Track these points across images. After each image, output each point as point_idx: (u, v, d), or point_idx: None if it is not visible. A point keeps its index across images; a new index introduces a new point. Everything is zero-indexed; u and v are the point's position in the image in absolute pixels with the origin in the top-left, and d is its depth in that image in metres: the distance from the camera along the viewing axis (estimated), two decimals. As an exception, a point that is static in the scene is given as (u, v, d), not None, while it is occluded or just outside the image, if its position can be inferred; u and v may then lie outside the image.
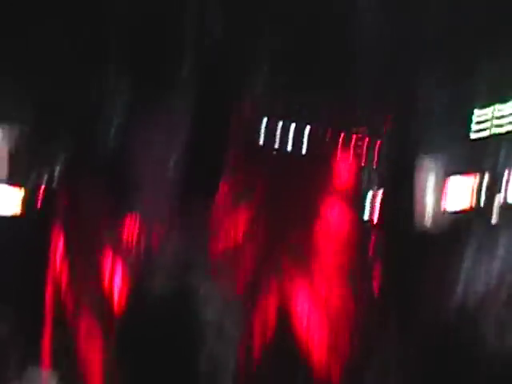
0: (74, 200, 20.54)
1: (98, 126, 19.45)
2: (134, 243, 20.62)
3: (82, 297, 20.71)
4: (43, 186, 20.79)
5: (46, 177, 20.89)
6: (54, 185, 20.81)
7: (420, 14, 22.92)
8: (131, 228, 20.71)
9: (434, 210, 24.46)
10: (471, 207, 25.77)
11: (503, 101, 26.31)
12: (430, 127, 25.07)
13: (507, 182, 25.56)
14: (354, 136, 23.74)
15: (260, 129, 22.20)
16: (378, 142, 23.91)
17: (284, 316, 21.43)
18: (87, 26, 19.59)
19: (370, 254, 23.65)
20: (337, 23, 22.57)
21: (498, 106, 26.63)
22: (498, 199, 25.58)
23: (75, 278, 20.78)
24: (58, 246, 20.93)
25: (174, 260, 19.44)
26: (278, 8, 21.48)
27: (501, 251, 23.88)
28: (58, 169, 20.94)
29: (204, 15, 19.75)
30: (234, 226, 21.76)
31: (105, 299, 20.74)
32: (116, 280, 20.77)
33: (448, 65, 24.23)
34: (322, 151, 23.20)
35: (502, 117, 25.88)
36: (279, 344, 21.04)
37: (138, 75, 20.13)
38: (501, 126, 25.77)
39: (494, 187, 25.47)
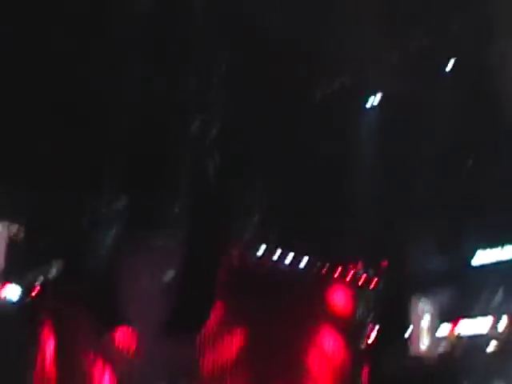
0: (67, 304, 20.36)
1: (92, 247, 19.50)
2: (123, 352, 20.35)
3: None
4: (36, 289, 20.80)
5: (39, 280, 20.89)
6: (46, 290, 20.79)
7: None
8: (121, 338, 20.47)
9: (427, 348, 24.30)
10: (461, 353, 25.59)
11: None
12: (426, 273, 25.28)
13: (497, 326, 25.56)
14: (351, 271, 23.82)
15: (256, 258, 22.32)
16: (375, 279, 23.97)
17: None
18: (85, 156, 19.93)
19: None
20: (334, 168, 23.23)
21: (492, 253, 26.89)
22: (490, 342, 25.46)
23: (63, 380, 20.30)
24: (48, 346, 20.59)
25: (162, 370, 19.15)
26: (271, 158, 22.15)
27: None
28: (50, 275, 20.99)
29: (199, 156, 20.14)
30: (225, 347, 21.49)
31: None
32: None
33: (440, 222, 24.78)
34: (318, 282, 23.15)
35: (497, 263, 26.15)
36: None
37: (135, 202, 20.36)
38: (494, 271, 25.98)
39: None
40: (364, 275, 23.78)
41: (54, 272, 20.50)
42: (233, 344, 21.54)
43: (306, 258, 22.75)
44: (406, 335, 23.51)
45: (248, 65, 20.67)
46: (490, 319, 25.74)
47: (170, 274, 20.47)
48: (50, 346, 20.30)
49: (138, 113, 19.98)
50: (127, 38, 19.48)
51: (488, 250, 26.30)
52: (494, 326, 25.72)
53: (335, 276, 23.42)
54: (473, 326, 25.78)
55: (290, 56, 20.57)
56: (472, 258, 26.56)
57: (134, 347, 20.30)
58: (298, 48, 20.42)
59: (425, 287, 24.68)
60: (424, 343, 24.16)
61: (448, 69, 22.92)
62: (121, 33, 19.39)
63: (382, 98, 23.63)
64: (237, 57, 20.43)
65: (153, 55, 19.90)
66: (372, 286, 23.83)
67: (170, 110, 20.36)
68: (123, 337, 20.30)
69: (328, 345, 22.77)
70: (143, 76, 19.92)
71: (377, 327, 23.52)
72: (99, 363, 20.27)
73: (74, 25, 18.93)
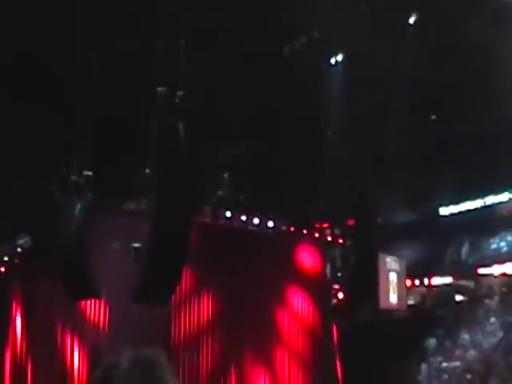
0: (35, 278, 20.17)
1: (60, 218, 19.21)
2: (94, 324, 20.28)
3: (42, 375, 20.12)
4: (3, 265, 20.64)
5: (7, 255, 20.71)
6: (15, 265, 20.64)
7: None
8: (91, 310, 20.38)
9: (396, 305, 24.53)
10: (430, 304, 25.85)
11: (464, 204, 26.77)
12: (393, 228, 25.41)
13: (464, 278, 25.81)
14: (318, 230, 23.82)
15: (224, 219, 22.21)
16: (342, 237, 24.01)
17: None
18: (57, 122, 19.62)
19: (332, 343, 23.52)
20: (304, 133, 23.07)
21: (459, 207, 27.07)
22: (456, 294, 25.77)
23: (35, 356, 20.21)
24: (17, 321, 20.47)
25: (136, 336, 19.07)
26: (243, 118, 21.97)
27: (459, 350, 23.87)
28: (18, 250, 20.79)
29: (166, 119, 19.84)
30: (197, 311, 21.50)
31: (65, 377, 20.15)
32: (75, 359, 20.24)
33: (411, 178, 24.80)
34: (286, 242, 23.13)
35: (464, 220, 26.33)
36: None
37: (101, 175, 20.14)
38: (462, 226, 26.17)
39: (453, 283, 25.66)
40: (331, 234, 23.82)
41: (23, 245, 20.23)
42: (204, 307, 21.60)
43: (273, 219, 22.64)
44: (375, 290, 23.61)
45: (215, 23, 20.37)
46: (457, 270, 26.12)
47: (140, 241, 20.22)
48: (19, 321, 20.17)
49: (102, 79, 19.59)
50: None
51: (454, 203, 26.56)
52: (462, 278, 26.10)
53: (303, 236, 23.43)
54: (441, 279, 26.12)
55: (256, 13, 20.32)
56: (439, 210, 26.79)
57: (104, 319, 20.19)
58: (266, 4, 20.18)
59: (393, 242, 24.86)
60: (393, 297, 24.37)
61: (411, 21, 22.77)
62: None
63: (347, 53, 23.43)
64: (203, 18, 20.09)
65: (117, 18, 19.50)
66: (339, 244, 23.90)
67: (135, 74, 19.99)
68: (93, 309, 20.19)
69: (297, 304, 22.92)
70: (108, 40, 19.52)
71: (345, 284, 23.61)
72: (70, 336, 20.17)
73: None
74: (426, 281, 26.02)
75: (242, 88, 21.62)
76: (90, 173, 20.15)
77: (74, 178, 19.76)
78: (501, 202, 26.29)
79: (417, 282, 26.03)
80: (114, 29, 19.77)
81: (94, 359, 19.55)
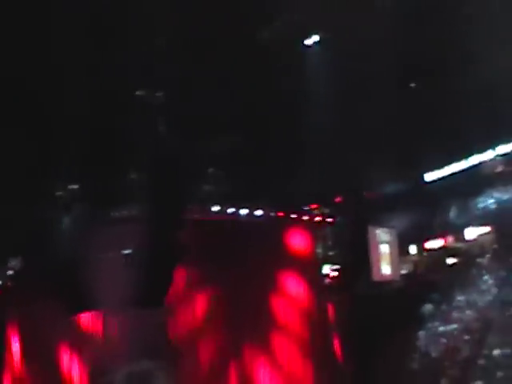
0: (29, 300, 20.62)
1: (50, 235, 19.55)
2: (91, 336, 20.82)
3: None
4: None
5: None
6: (7, 289, 21.02)
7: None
8: (87, 322, 20.89)
9: (389, 276, 25.04)
10: (424, 270, 26.33)
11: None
12: (381, 201, 25.81)
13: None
14: (307, 212, 24.23)
15: (214, 214, 22.60)
16: (331, 217, 24.43)
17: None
18: (36, 141, 19.79)
19: (329, 323, 24.06)
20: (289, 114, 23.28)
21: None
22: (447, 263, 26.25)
23: (35, 378, 20.78)
24: (14, 347, 21.01)
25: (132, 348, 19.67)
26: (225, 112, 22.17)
27: (456, 312, 24.37)
28: (10, 273, 21.18)
29: (147, 123, 20.02)
30: (193, 309, 22.03)
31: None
32: (75, 375, 20.85)
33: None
34: (275, 228, 23.50)
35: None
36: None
37: (89, 185, 20.40)
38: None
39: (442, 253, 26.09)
40: (320, 215, 24.24)
41: (14, 268, 20.70)
42: (200, 304, 22.07)
43: (261, 208, 23.06)
44: (368, 264, 24.11)
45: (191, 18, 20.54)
46: (448, 235, 26.53)
47: (131, 247, 20.68)
48: (16, 346, 20.67)
49: (83, 89, 19.75)
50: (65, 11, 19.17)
51: (439, 167, 26.88)
52: (453, 241, 26.53)
53: (292, 220, 23.83)
54: (432, 244, 26.56)
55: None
56: (424, 177, 27.12)
57: (100, 330, 20.70)
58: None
59: (382, 214, 25.26)
60: (386, 268, 24.88)
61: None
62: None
63: (325, 32, 23.56)
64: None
65: (93, 28, 19.66)
66: (328, 224, 24.34)
67: (114, 82, 20.18)
68: (89, 321, 20.68)
69: (292, 289, 23.36)
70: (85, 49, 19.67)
71: (338, 263, 24.14)
72: (69, 352, 20.70)
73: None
74: (417, 248, 26.52)
75: (217, 79, 21.80)
76: (76, 186, 20.52)
77: (59, 193, 20.14)
78: (484, 161, 26.66)
79: (409, 250, 26.53)
80: (93, 40, 19.88)
81: (93, 373, 20.16)
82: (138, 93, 21.54)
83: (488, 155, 26.62)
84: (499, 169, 26.63)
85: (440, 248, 26.45)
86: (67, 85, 19.48)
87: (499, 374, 22.03)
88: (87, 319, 20.60)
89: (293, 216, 23.92)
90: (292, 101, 23.36)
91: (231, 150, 22.73)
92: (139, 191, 21.13)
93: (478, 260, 25.86)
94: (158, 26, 20.20)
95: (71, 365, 20.76)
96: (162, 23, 20.31)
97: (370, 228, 24.43)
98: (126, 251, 20.37)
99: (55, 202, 20.37)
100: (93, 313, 20.32)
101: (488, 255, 25.84)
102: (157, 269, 20.01)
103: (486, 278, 25.34)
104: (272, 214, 23.34)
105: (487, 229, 26.00)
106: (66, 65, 19.33)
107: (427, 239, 26.54)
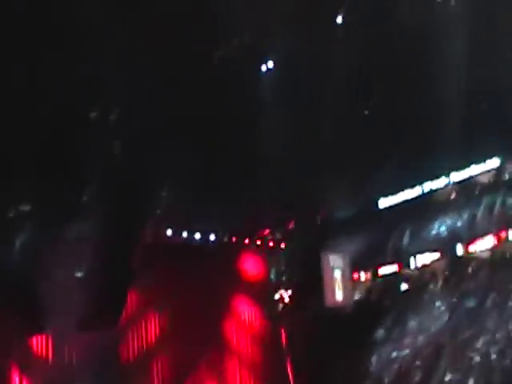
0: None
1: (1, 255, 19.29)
2: (41, 359, 20.51)
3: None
4: None
5: None
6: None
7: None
8: (37, 345, 20.58)
9: (342, 301, 25.05)
10: (376, 296, 26.40)
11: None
12: (333, 225, 25.89)
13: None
14: (259, 237, 24.26)
15: (167, 238, 22.54)
16: (283, 241, 24.48)
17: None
18: None
19: (282, 348, 24.01)
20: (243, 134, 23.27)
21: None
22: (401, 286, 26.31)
23: None
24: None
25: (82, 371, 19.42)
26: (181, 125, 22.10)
27: (408, 337, 24.43)
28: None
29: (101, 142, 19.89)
30: (145, 333, 21.89)
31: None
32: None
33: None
34: (228, 254, 23.53)
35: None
36: None
37: (42, 200, 20.16)
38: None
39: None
40: (273, 240, 24.31)
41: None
42: (152, 327, 22.00)
43: (214, 232, 23.06)
44: (321, 289, 24.12)
45: (147, 34, 20.47)
46: (401, 261, 26.63)
47: (84, 267, 20.41)
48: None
49: (37, 106, 19.54)
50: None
51: (392, 194, 27.01)
52: (406, 267, 26.63)
53: (244, 245, 23.89)
54: (385, 270, 26.63)
55: (188, 19, 20.47)
56: (378, 203, 27.24)
57: (51, 353, 20.44)
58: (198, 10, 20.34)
59: (334, 240, 25.32)
60: (339, 294, 24.90)
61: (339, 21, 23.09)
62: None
63: (278, 57, 23.67)
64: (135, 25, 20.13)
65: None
66: (281, 249, 24.39)
67: (68, 101, 19.99)
68: (39, 344, 20.42)
69: (245, 313, 23.40)
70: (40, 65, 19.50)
71: (291, 288, 24.15)
72: (17, 374, 20.36)
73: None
74: (370, 273, 26.58)
75: (173, 99, 21.74)
76: (28, 207, 20.26)
77: (10, 215, 19.86)
78: (437, 188, 26.87)
79: (362, 276, 26.60)
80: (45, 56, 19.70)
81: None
82: (91, 109, 21.31)
83: (440, 182, 26.88)
84: (453, 196, 26.90)
85: (393, 274, 26.57)
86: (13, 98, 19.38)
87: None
88: (37, 341, 20.35)
89: (245, 241, 24.00)
90: (245, 124, 23.42)
91: (183, 175, 22.70)
92: (92, 212, 20.92)
93: (431, 286, 26.03)
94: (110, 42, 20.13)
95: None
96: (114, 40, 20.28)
97: (323, 254, 24.47)
98: (79, 273, 20.18)
99: (7, 223, 20.10)
100: (43, 335, 20.09)
101: (440, 281, 26.01)
102: (109, 291, 19.85)
103: (438, 304, 25.48)
104: (225, 238, 23.43)
105: (439, 255, 26.18)
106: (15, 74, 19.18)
107: (380, 265, 26.63)
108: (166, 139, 21.96)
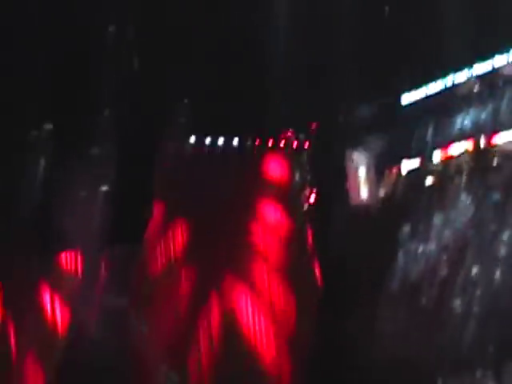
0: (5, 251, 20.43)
1: (20, 183, 19.35)
2: (71, 276, 20.85)
3: (24, 334, 20.86)
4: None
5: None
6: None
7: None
8: (66, 262, 20.87)
9: (367, 199, 25.08)
10: (401, 192, 26.37)
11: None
12: (357, 124, 25.69)
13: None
14: (283, 139, 24.14)
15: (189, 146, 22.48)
16: (307, 142, 24.35)
17: (230, 325, 21.92)
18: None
19: (309, 249, 24.19)
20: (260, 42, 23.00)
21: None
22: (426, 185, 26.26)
23: (16, 320, 20.82)
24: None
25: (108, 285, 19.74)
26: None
27: (434, 232, 24.56)
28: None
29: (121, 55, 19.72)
30: (171, 243, 22.08)
31: (47, 335, 20.90)
32: (56, 313, 20.94)
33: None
34: (252, 157, 23.47)
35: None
36: (229, 352, 21.53)
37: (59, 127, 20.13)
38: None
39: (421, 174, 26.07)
40: (296, 141, 24.15)
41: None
42: (179, 236, 22.14)
43: (237, 137, 22.95)
44: (346, 187, 24.13)
45: None
46: (425, 155, 26.46)
47: (108, 183, 20.61)
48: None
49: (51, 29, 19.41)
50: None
51: (415, 89, 26.62)
52: (430, 161, 26.50)
53: (269, 148, 23.77)
54: (409, 165, 26.51)
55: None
56: (400, 98, 26.90)
57: (80, 269, 20.75)
58: None
59: (357, 137, 25.15)
60: (364, 191, 24.90)
61: None
62: None
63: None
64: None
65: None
66: (305, 149, 24.25)
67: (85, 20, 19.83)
68: (68, 261, 20.71)
69: (271, 217, 23.45)
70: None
71: (316, 188, 24.14)
72: (48, 291, 20.70)
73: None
74: (395, 169, 26.45)
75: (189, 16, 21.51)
76: (50, 125, 20.30)
77: (33, 133, 19.93)
78: (460, 82, 26.40)
79: (386, 172, 26.47)
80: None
81: (72, 309, 20.22)
82: (111, 28, 21.18)
83: (465, 75, 26.42)
84: (476, 88, 26.48)
85: (417, 169, 26.47)
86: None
87: (477, 292, 22.38)
88: (66, 258, 20.63)
89: (269, 143, 23.88)
90: (267, 23, 23.10)
91: (204, 80, 22.51)
92: (113, 129, 20.95)
93: (456, 180, 25.93)
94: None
95: (53, 301, 20.82)
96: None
97: (347, 152, 24.37)
98: (103, 188, 20.34)
99: (29, 143, 20.18)
100: (71, 251, 20.35)
101: (465, 174, 25.88)
102: (134, 205, 20.00)
103: (463, 197, 25.45)
104: (248, 142, 23.32)
105: (464, 149, 25.97)
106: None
107: (404, 161, 26.47)
108: (185, 48, 21.75)
